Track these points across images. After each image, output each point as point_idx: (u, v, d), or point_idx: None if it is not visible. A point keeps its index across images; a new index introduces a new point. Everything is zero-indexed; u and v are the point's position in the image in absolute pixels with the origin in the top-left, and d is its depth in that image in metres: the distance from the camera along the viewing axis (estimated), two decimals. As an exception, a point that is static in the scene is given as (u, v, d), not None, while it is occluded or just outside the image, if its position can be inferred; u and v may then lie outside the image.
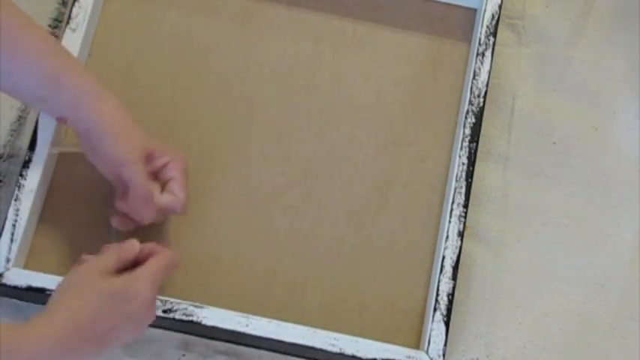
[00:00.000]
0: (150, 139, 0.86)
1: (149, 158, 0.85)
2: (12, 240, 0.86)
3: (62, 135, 0.91)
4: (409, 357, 0.86)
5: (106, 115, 0.83)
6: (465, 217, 0.90)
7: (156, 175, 0.87)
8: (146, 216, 0.85)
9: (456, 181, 0.91)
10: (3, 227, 0.87)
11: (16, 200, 0.87)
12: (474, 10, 1.00)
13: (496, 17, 0.96)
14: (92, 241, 0.87)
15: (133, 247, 0.82)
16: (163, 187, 0.87)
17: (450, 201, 0.90)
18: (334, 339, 0.86)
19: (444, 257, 0.89)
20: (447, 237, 0.89)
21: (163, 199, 0.86)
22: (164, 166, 0.86)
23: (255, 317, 0.86)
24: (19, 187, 0.88)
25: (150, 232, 0.88)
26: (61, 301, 0.77)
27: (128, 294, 0.78)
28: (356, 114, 0.97)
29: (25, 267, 0.89)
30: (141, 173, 0.84)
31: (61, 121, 0.85)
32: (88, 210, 0.91)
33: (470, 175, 0.91)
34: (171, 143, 0.94)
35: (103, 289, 0.77)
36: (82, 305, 0.76)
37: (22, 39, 0.80)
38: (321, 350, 0.85)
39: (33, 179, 0.88)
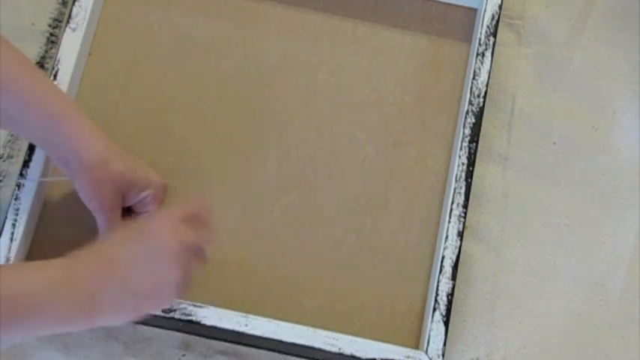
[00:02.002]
0: (130, 168, 0.85)
1: (126, 195, 0.85)
2: (12, 240, 0.87)
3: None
4: (408, 357, 0.86)
5: (82, 148, 0.82)
6: (465, 217, 0.90)
7: (132, 208, 0.87)
8: None
9: (456, 181, 0.91)
10: (3, 227, 0.87)
11: (16, 200, 0.88)
12: (474, 10, 1.00)
13: (496, 17, 0.96)
14: (92, 241, 0.87)
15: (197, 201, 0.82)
16: (138, 217, 0.87)
17: (450, 201, 0.90)
18: (333, 339, 0.86)
19: (443, 257, 0.89)
20: (447, 237, 0.89)
21: None
22: (141, 200, 0.86)
23: (254, 317, 0.86)
24: (19, 187, 0.88)
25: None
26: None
27: (146, 227, 0.76)
28: (356, 114, 0.97)
29: (25, 267, 0.89)
30: (112, 224, 0.84)
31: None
32: (88, 210, 0.90)
33: (470, 175, 0.91)
34: (171, 143, 0.94)
35: (126, 224, 0.77)
36: (104, 242, 0.75)
37: None
38: (321, 350, 0.85)
39: (33, 179, 0.88)
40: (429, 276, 0.92)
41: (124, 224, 0.82)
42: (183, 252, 0.76)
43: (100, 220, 0.84)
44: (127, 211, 0.88)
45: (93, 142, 0.82)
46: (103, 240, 0.78)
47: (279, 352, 0.89)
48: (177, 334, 0.90)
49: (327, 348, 0.85)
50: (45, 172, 0.89)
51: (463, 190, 0.91)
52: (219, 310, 0.86)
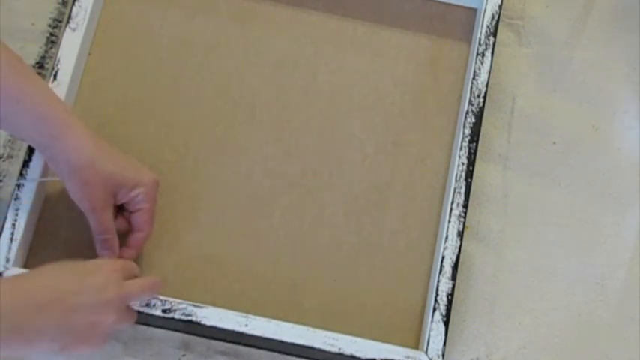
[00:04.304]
0: (120, 167, 0.85)
1: (116, 194, 0.85)
2: (12, 240, 0.87)
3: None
4: (408, 357, 0.86)
5: (70, 149, 0.83)
6: (465, 217, 0.90)
7: (124, 206, 0.87)
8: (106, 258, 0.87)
9: (456, 181, 0.91)
10: (3, 227, 0.87)
11: (16, 200, 0.88)
12: (474, 10, 1.00)
13: (496, 17, 0.96)
14: (92, 241, 0.87)
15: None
16: (131, 216, 0.88)
17: (450, 201, 0.90)
18: (333, 339, 0.86)
19: (443, 257, 0.89)
20: (447, 237, 0.89)
21: (125, 254, 0.87)
22: (133, 198, 0.86)
23: (254, 317, 0.86)
24: (19, 187, 0.88)
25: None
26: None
27: (87, 267, 0.79)
28: (356, 114, 0.97)
29: (25, 267, 0.89)
30: (103, 224, 0.85)
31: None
32: (88, 210, 0.91)
33: (470, 175, 0.91)
34: (171, 143, 0.94)
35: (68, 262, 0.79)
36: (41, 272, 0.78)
37: None
38: (320, 350, 0.85)
39: (33, 179, 0.88)
40: (429, 276, 0.92)
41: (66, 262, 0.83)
42: (120, 304, 0.79)
43: (92, 220, 0.85)
44: (120, 210, 0.88)
45: (81, 143, 0.83)
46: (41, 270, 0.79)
47: (279, 352, 0.89)
48: (177, 334, 0.90)
49: (327, 348, 0.85)
50: (45, 172, 0.89)
51: (463, 190, 0.91)
52: (219, 310, 0.86)
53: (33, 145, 0.86)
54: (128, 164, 0.86)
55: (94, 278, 0.78)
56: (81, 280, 0.77)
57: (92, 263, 0.81)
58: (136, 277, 0.84)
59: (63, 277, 0.78)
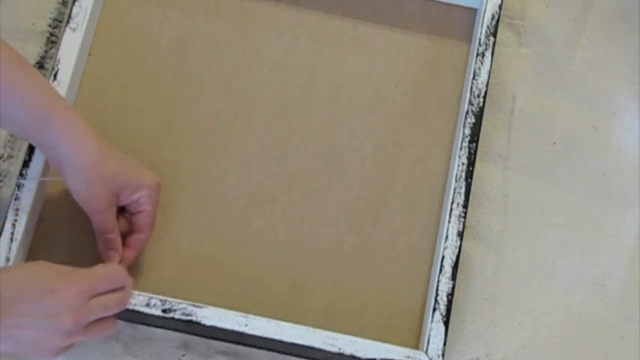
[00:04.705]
0: (123, 168, 0.85)
1: (119, 195, 0.85)
2: (12, 240, 0.87)
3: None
4: (408, 357, 0.86)
5: (74, 148, 0.82)
6: (465, 217, 0.90)
7: (126, 207, 0.87)
8: (109, 260, 0.86)
9: (456, 181, 0.91)
10: (3, 227, 0.87)
11: (16, 200, 0.87)
12: (474, 10, 1.00)
13: (496, 17, 0.96)
14: (92, 241, 0.87)
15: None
16: (132, 217, 0.87)
17: (450, 201, 0.90)
18: (333, 339, 0.86)
19: (443, 257, 0.89)
20: (447, 237, 0.89)
21: (125, 254, 0.87)
22: (135, 200, 0.86)
23: (254, 317, 0.86)
24: (19, 187, 0.88)
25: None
26: None
27: (55, 284, 0.77)
28: (356, 114, 0.97)
29: (25, 267, 0.89)
30: (106, 224, 0.85)
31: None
32: (88, 210, 0.91)
33: (469, 175, 0.91)
34: (171, 143, 0.94)
35: (36, 264, 0.78)
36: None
37: None
38: (320, 350, 0.85)
39: (33, 178, 0.88)
40: (429, 276, 0.92)
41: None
42: (74, 329, 0.77)
43: (95, 221, 0.85)
44: (122, 211, 0.88)
45: (85, 143, 0.82)
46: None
47: (279, 352, 0.89)
48: (177, 334, 0.90)
49: (327, 348, 0.85)
50: (45, 172, 0.89)
51: (463, 190, 0.91)
52: (219, 310, 0.86)
53: (35, 144, 0.85)
54: (131, 165, 0.86)
55: (53, 300, 0.76)
56: (40, 297, 0.76)
57: (59, 279, 0.78)
58: (116, 289, 0.82)
59: (27, 284, 0.76)
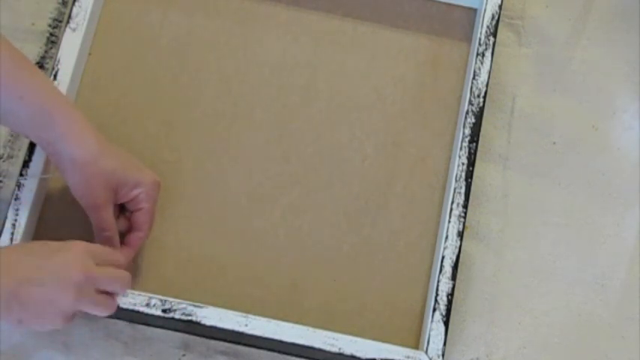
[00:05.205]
0: (122, 165, 0.85)
1: (117, 192, 0.85)
2: (12, 240, 0.87)
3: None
4: (408, 357, 0.86)
5: (74, 144, 0.82)
6: (465, 217, 0.90)
7: (125, 205, 0.87)
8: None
9: (456, 181, 0.91)
10: (3, 227, 0.87)
11: (16, 200, 0.88)
12: (474, 10, 1.00)
13: (496, 17, 0.96)
14: (91, 241, 0.87)
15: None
16: (131, 215, 0.87)
17: (450, 201, 0.90)
18: (333, 339, 0.86)
19: (443, 257, 0.89)
20: (447, 237, 0.89)
21: (123, 253, 0.86)
22: (134, 197, 0.86)
23: (254, 317, 0.86)
24: (19, 187, 0.88)
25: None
26: None
27: (56, 245, 0.78)
28: (356, 114, 0.97)
29: (25, 267, 0.89)
30: (104, 221, 0.85)
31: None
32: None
33: (469, 175, 0.91)
34: (171, 143, 0.94)
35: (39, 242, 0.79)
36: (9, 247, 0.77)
37: None
38: (320, 350, 0.85)
39: (33, 179, 0.88)
40: (429, 276, 0.92)
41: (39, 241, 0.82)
42: (83, 284, 0.77)
43: (93, 217, 0.85)
44: (121, 210, 0.88)
45: (85, 139, 0.82)
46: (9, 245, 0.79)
47: (279, 352, 0.89)
48: (177, 334, 0.90)
49: (327, 348, 0.85)
50: (45, 171, 0.89)
51: (463, 190, 0.91)
52: (219, 310, 0.86)
53: (35, 141, 0.86)
54: (130, 163, 0.86)
55: (59, 256, 0.77)
56: (45, 257, 0.76)
57: (63, 242, 0.79)
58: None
59: (29, 250, 0.77)
